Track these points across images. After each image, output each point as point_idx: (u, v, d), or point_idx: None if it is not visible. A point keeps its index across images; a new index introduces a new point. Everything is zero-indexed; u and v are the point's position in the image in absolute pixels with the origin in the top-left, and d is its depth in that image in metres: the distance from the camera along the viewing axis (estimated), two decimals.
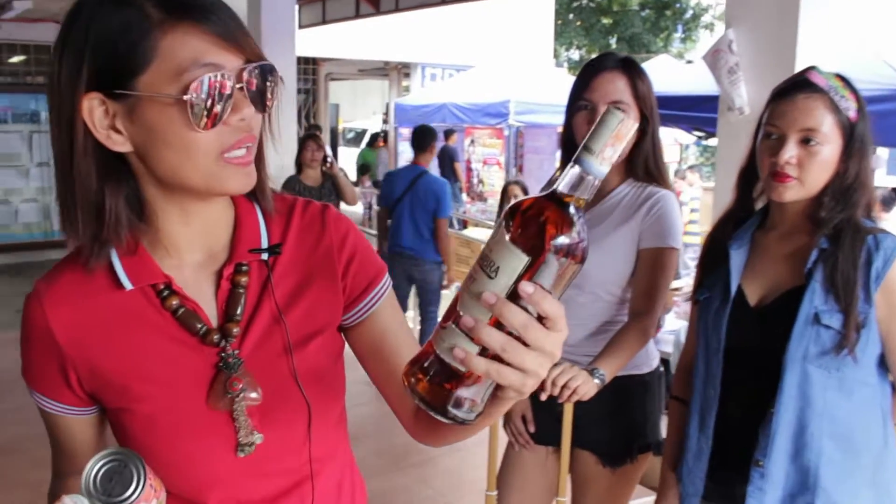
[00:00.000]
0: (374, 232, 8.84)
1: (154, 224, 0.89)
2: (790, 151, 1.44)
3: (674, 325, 4.50)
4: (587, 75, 1.85)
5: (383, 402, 1.02)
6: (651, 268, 1.78)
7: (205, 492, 0.90)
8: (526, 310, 0.65)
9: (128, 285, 0.88)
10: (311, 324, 0.95)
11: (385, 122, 12.21)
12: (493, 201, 9.60)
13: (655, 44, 19.39)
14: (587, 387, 1.66)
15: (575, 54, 20.56)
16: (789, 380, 1.43)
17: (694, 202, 7.86)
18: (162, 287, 0.89)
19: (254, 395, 0.90)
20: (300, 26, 7.91)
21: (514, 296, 0.66)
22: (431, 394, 0.71)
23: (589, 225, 1.77)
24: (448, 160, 10.02)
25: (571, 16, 20.05)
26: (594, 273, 1.85)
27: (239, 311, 0.91)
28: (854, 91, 1.47)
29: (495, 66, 9.89)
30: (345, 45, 10.03)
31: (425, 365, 0.71)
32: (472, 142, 9.87)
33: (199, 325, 0.90)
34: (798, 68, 2.02)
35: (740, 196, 1.63)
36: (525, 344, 0.66)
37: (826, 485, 1.44)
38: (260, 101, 0.84)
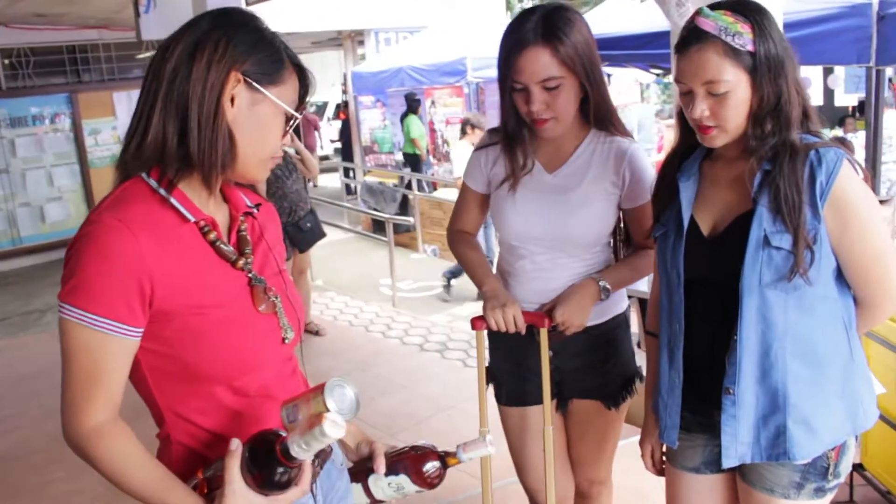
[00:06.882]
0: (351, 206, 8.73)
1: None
2: (700, 106, 1.45)
3: None
4: (510, 54, 1.79)
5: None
6: (640, 219, 1.92)
7: (252, 373, 1.23)
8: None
9: (191, 218, 1.18)
10: (280, 259, 1.36)
11: (345, 92, 11.99)
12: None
13: None
14: (581, 316, 1.88)
15: (528, 3, 20.36)
16: (748, 305, 1.45)
17: None
18: (203, 224, 1.20)
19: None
20: (247, 3, 7.75)
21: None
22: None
23: (567, 185, 1.91)
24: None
25: None
26: (579, 234, 1.91)
27: (248, 249, 1.28)
28: (748, 20, 1.42)
29: (448, 24, 9.73)
30: (295, 18, 9.80)
31: None
32: (433, 103, 9.73)
33: (231, 254, 1.23)
34: None
35: (682, 131, 1.62)
36: None
37: (796, 401, 1.46)
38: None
